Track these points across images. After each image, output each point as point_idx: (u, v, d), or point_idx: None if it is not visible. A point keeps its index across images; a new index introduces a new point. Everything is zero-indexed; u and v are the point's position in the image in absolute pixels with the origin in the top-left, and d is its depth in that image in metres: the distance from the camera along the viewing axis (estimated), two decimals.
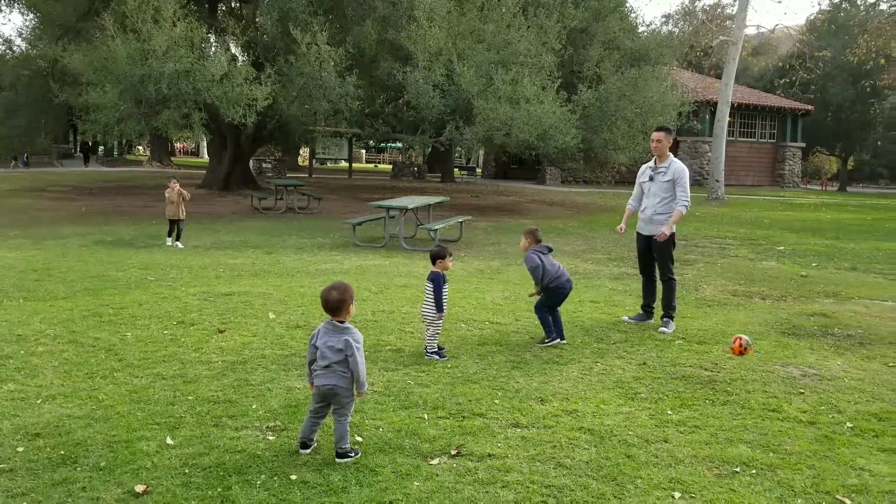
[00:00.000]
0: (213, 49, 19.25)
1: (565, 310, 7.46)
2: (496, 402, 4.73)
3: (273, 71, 17.78)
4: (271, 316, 6.87)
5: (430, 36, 17.18)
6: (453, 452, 3.91)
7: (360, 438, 4.05)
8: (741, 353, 5.76)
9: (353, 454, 3.79)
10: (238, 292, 7.99)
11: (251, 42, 21.10)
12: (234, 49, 22.25)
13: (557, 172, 33.17)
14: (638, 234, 7.21)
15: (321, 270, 9.93)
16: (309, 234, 14.03)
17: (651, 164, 7.11)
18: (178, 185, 12.32)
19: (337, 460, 3.74)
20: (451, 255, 5.82)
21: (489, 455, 3.89)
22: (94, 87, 16.24)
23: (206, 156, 49.11)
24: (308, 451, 3.82)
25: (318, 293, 7.72)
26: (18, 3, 27.16)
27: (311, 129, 20.85)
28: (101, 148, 46.63)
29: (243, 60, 21.72)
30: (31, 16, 23.61)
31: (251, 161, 29.24)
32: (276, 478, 3.55)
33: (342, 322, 3.89)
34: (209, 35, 20.15)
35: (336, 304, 3.86)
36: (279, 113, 18.53)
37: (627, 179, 26.64)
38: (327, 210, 19.15)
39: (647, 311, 7.17)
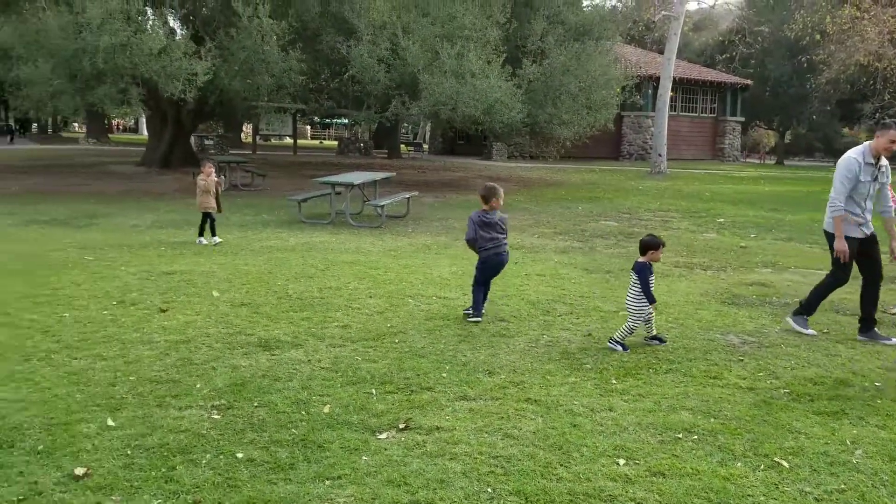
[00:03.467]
0: (150, 22, 18.63)
1: (512, 283, 7.53)
2: (444, 375, 4.75)
3: (213, 45, 17.31)
4: (215, 294, 6.76)
5: (373, 9, 16.95)
6: (401, 426, 3.91)
7: (326, 409, 4.03)
8: None
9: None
10: (180, 271, 7.83)
11: (190, 15, 20.51)
12: (172, 22, 21.59)
13: (504, 148, 33.17)
14: (852, 238, 5.97)
15: (266, 248, 9.78)
16: (253, 212, 13.80)
17: (871, 160, 5.90)
18: (214, 172, 10.27)
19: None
20: (663, 246, 5.61)
21: (437, 428, 3.91)
22: (24, 61, 15.59)
23: (145, 132, 47.77)
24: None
25: (263, 271, 7.63)
26: None
27: (254, 105, 20.42)
28: (34, 125, 45.00)
29: (182, 34, 21.09)
30: None
31: (192, 138, 28.55)
32: (221, 456, 3.50)
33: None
34: (146, 7, 19.49)
35: None
36: (221, 88, 18.08)
37: (573, 154, 26.86)
38: (272, 187, 18.84)
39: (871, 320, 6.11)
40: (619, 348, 5.39)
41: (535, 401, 4.34)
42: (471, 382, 4.63)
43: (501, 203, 6.30)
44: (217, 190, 10.13)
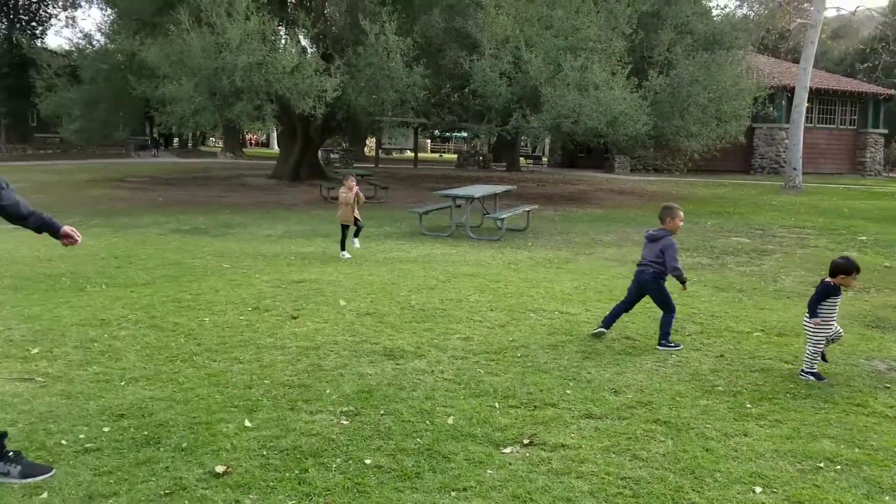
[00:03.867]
0: (283, 41, 19.53)
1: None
2: (568, 392, 4.69)
3: (342, 62, 17.94)
4: (342, 303, 6.96)
5: (497, 23, 17.05)
6: (526, 441, 3.88)
7: (450, 421, 4.07)
8: None
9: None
10: (309, 280, 8.11)
11: (321, 34, 21.33)
12: (303, 41, 22.54)
13: (627, 161, 32.58)
14: None
15: (388, 259, 10.00)
16: (376, 224, 14.15)
17: None
18: (356, 186, 10.28)
19: None
20: (857, 273, 5.10)
21: (562, 445, 3.86)
22: (169, 79, 16.69)
23: (276, 147, 50.01)
24: None
25: (386, 282, 7.79)
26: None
27: (378, 120, 20.98)
28: (175, 139, 48.07)
29: (313, 52, 21.99)
30: (110, 11, 24.39)
31: (320, 151, 29.64)
32: (350, 462, 3.59)
33: None
34: (280, 28, 20.45)
35: None
36: (348, 104, 18.70)
37: (701, 167, 25.97)
38: (394, 199, 19.27)
39: None
40: (812, 378, 4.95)
41: (665, 422, 4.21)
42: (596, 400, 4.54)
43: (678, 223, 5.92)
44: (357, 203, 10.16)
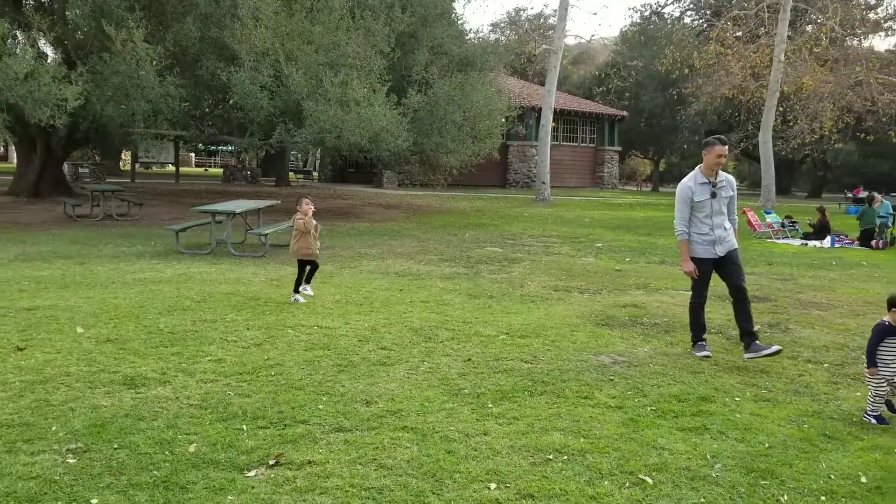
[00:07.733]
0: (18, 46, 17.65)
1: (396, 311, 7.52)
2: (320, 407, 4.66)
3: (85, 69, 16.60)
4: (79, 330, 6.40)
5: (255, 35, 16.73)
6: (272, 462, 3.80)
7: (191, 449, 3.85)
8: None
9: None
10: (43, 306, 7.38)
11: (61, 38, 19.58)
12: (43, 46, 20.53)
13: (394, 175, 33.40)
14: (705, 259, 6.23)
15: (138, 280, 9.37)
16: (128, 243, 13.23)
17: (703, 179, 6.16)
18: (312, 210, 8.27)
19: None
20: None
21: (309, 462, 3.82)
22: None
23: (14, 160, 45.06)
24: None
25: (133, 305, 7.28)
26: None
27: (130, 131, 19.66)
28: None
29: (53, 58, 20.11)
30: None
31: (66, 166, 27.16)
32: (74, 503, 3.29)
33: None
34: (14, 31, 18.48)
35: None
36: (93, 114, 17.32)
37: (460, 182, 27.30)
38: (150, 216, 18.14)
39: (752, 335, 6.13)
40: (874, 421, 4.65)
41: (412, 429, 4.33)
42: (347, 413, 4.56)
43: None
44: (316, 232, 8.28)
